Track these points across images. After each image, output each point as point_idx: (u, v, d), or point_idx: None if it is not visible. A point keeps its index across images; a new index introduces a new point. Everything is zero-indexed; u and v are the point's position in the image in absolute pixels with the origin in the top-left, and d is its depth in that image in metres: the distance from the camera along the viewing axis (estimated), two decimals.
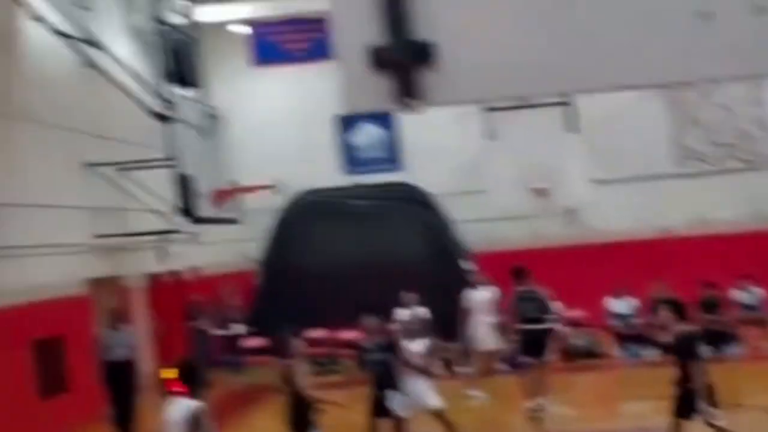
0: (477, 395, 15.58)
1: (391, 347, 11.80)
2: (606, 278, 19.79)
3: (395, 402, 11.50)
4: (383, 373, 11.56)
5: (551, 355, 14.92)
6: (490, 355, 16.80)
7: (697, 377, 10.13)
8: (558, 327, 15.09)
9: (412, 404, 11.69)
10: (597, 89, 5.00)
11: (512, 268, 14.85)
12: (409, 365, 11.79)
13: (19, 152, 15.37)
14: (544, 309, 14.46)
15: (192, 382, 7.53)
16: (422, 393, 11.84)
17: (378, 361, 11.68)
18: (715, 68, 4.51)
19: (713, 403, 10.22)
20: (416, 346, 12.00)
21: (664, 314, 10.72)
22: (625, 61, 4.54)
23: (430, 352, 12.23)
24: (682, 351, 10.37)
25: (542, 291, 14.68)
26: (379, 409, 11.53)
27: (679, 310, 10.68)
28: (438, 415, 11.99)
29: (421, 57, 4.65)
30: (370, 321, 11.95)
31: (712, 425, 10.29)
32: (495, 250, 21.86)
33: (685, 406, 10.20)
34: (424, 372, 11.91)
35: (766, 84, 21.27)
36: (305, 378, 10.07)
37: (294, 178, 20.62)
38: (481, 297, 16.75)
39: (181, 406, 7.48)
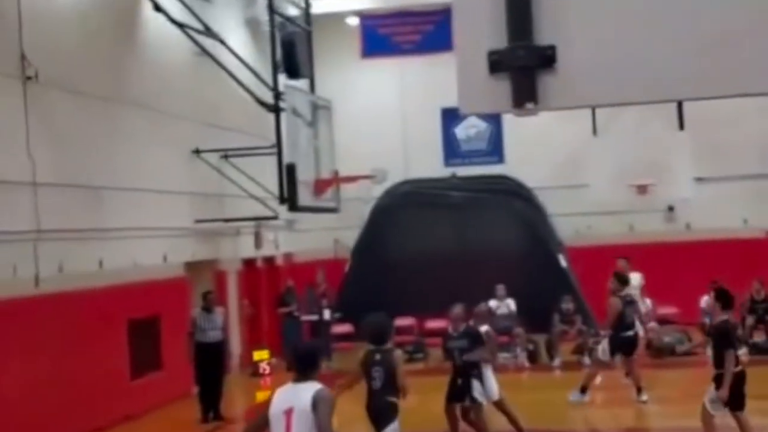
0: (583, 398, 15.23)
1: (475, 336, 11.84)
2: (702, 276, 19.44)
3: (475, 389, 11.66)
4: (464, 360, 11.69)
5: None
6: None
7: (727, 366, 10.22)
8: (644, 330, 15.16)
9: (486, 393, 11.83)
10: (716, 96, 4.88)
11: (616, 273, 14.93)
12: (489, 356, 11.90)
13: (131, 137, 15.70)
14: (637, 311, 14.54)
15: (312, 366, 6.69)
16: (489, 382, 11.90)
17: (460, 348, 11.77)
18: None
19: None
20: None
21: (711, 302, 10.80)
22: (744, 68, 4.44)
23: (492, 341, 12.12)
24: (716, 340, 10.51)
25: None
26: (456, 395, 11.75)
27: (726, 299, 10.64)
28: (499, 405, 12.01)
29: (542, 61, 4.64)
30: (456, 309, 11.99)
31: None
32: (592, 244, 21.62)
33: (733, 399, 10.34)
34: (486, 360, 11.92)
35: None
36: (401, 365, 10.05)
37: (394, 169, 20.71)
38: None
39: (306, 391, 6.47)
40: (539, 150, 22.31)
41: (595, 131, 20.45)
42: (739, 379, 10.39)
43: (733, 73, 4.51)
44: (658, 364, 17.90)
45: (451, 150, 23.77)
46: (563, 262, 21.50)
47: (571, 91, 4.76)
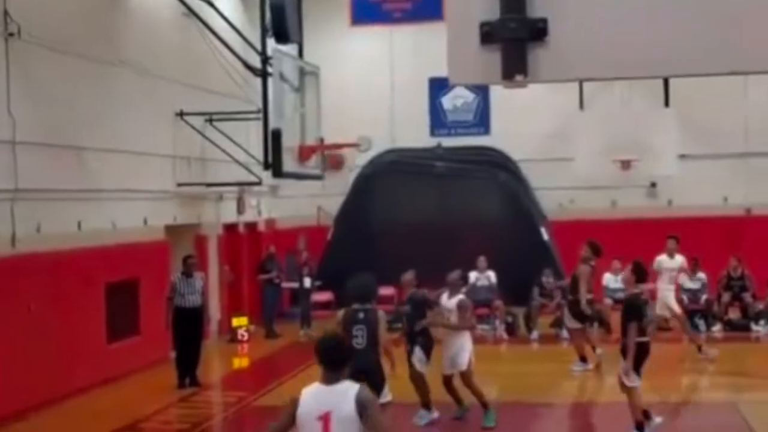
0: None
1: (417, 302, 11.77)
2: (683, 253, 19.64)
3: (415, 357, 11.60)
4: (411, 327, 11.70)
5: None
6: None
7: (631, 337, 10.56)
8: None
9: (448, 363, 11.69)
10: (703, 73, 4.89)
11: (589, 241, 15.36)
12: (436, 323, 11.78)
13: (114, 97, 15.55)
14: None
15: (342, 363, 5.71)
16: (456, 353, 11.69)
17: (404, 314, 11.85)
18: None
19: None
20: (451, 303, 11.84)
21: (627, 275, 11.18)
22: (731, 46, 4.45)
23: (468, 310, 12.05)
24: (624, 312, 10.85)
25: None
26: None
27: (641, 273, 11.12)
28: (464, 376, 11.75)
29: (533, 34, 4.61)
30: (407, 274, 11.95)
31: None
32: (575, 218, 21.66)
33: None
34: (458, 329, 11.77)
35: None
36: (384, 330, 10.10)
37: (380, 138, 20.64)
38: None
39: (344, 394, 5.56)
40: (525, 123, 22.26)
41: (581, 106, 20.44)
42: (643, 350, 10.73)
43: (720, 50, 4.52)
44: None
45: (438, 120, 23.69)
46: (545, 235, 21.56)
47: (561, 64, 4.76)
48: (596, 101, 20.50)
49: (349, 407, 5.51)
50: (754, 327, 18.42)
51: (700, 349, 15.78)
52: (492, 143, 23.05)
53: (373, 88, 23.13)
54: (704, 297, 18.96)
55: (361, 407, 5.51)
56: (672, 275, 16.81)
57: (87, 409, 13.16)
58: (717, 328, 18.70)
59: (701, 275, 19.15)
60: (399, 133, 22.90)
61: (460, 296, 11.92)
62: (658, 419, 10.98)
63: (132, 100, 16.01)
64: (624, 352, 10.68)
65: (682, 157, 20.09)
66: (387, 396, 9.85)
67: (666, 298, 16.58)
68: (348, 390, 5.59)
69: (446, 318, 11.77)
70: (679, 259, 17.09)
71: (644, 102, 20.27)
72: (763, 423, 10.80)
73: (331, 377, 5.66)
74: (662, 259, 16.86)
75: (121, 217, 15.46)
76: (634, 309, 10.75)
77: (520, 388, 13.77)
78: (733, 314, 19.02)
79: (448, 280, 12.04)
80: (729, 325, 18.67)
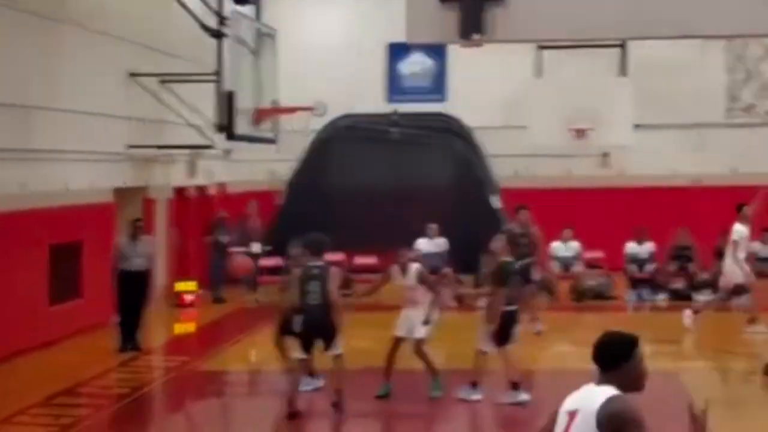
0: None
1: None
2: (633, 222, 20.03)
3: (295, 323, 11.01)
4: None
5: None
6: None
7: (497, 303, 11.14)
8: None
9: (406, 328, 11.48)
10: (660, 36, 4.80)
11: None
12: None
13: (65, 55, 15.14)
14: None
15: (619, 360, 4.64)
16: (410, 323, 11.51)
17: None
18: None
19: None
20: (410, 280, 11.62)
21: (500, 244, 11.73)
22: (688, 11, 4.38)
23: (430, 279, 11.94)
24: (492, 278, 11.43)
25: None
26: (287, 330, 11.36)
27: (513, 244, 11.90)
28: (417, 345, 11.55)
29: None
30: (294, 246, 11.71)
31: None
32: (530, 186, 21.62)
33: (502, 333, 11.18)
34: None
35: None
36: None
37: (336, 103, 20.40)
38: None
39: (598, 395, 4.58)
40: (482, 90, 22.10)
41: (538, 74, 20.39)
42: (510, 317, 11.20)
43: (671, 15, 4.43)
44: (581, 307, 18.50)
45: (395, 86, 23.49)
46: (496, 203, 21.50)
47: (518, 24, 4.66)
48: (553, 70, 20.46)
49: (592, 409, 4.59)
50: (698, 297, 18.64)
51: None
52: (449, 110, 22.91)
53: (331, 53, 22.85)
54: (651, 266, 19.27)
55: (603, 419, 4.54)
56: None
57: (26, 372, 12.94)
58: (662, 297, 18.97)
59: (648, 245, 19.44)
60: (356, 99, 22.62)
61: (416, 267, 11.67)
62: (524, 396, 11.10)
63: (81, 58, 15.60)
64: (488, 317, 11.13)
65: (637, 127, 20.18)
66: (339, 349, 10.55)
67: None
68: (603, 394, 4.64)
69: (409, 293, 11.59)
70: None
71: (601, 71, 20.26)
72: (702, 391, 10.88)
73: (602, 379, 4.72)
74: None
75: (69, 178, 15.13)
76: (501, 276, 11.23)
77: (468, 356, 13.72)
78: (678, 284, 19.24)
79: (405, 257, 11.73)
80: (674, 294, 18.95)
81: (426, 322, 11.39)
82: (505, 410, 11.13)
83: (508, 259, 11.49)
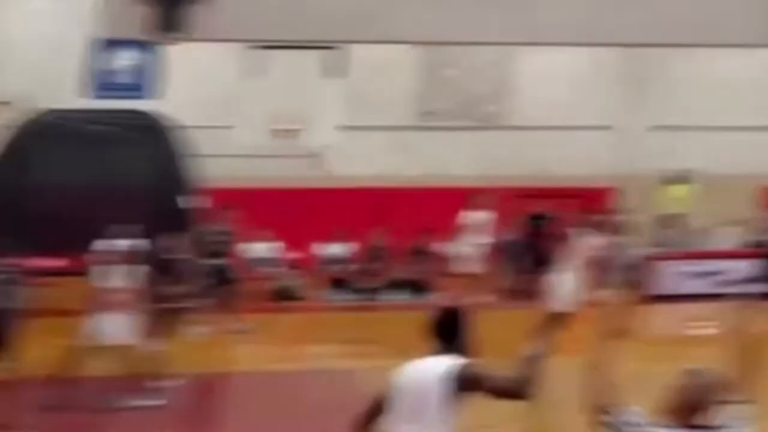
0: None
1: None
2: (338, 223, 20.52)
3: None
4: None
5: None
6: None
7: None
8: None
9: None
10: (369, 41, 5.01)
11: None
12: None
13: None
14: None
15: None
16: (117, 327, 11.45)
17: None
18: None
19: None
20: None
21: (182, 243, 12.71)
22: (395, 17, 4.59)
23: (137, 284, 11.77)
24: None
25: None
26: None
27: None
28: (125, 351, 11.56)
29: None
30: None
31: None
32: (233, 187, 21.56)
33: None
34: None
35: (513, 50, 22.24)
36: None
37: (36, 97, 19.42)
38: None
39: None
40: (190, 88, 21.77)
41: (246, 72, 20.32)
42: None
43: (385, 20, 4.62)
44: (279, 307, 18.84)
45: (99, 81, 22.67)
46: (187, 203, 21.16)
47: (219, 24, 4.67)
48: (262, 68, 20.48)
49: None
50: (387, 296, 19.40)
51: None
52: (159, 108, 22.36)
53: (32, 46, 21.82)
54: (348, 267, 20.23)
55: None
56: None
57: None
58: (351, 296, 19.78)
59: (347, 246, 20.41)
60: (58, 94, 21.63)
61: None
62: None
63: None
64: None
65: (345, 128, 20.64)
66: None
67: None
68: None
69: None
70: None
71: (310, 71, 20.53)
72: (374, 389, 11.26)
73: None
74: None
75: None
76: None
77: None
78: (370, 284, 20.07)
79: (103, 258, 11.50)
80: (361, 293, 19.81)
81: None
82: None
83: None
